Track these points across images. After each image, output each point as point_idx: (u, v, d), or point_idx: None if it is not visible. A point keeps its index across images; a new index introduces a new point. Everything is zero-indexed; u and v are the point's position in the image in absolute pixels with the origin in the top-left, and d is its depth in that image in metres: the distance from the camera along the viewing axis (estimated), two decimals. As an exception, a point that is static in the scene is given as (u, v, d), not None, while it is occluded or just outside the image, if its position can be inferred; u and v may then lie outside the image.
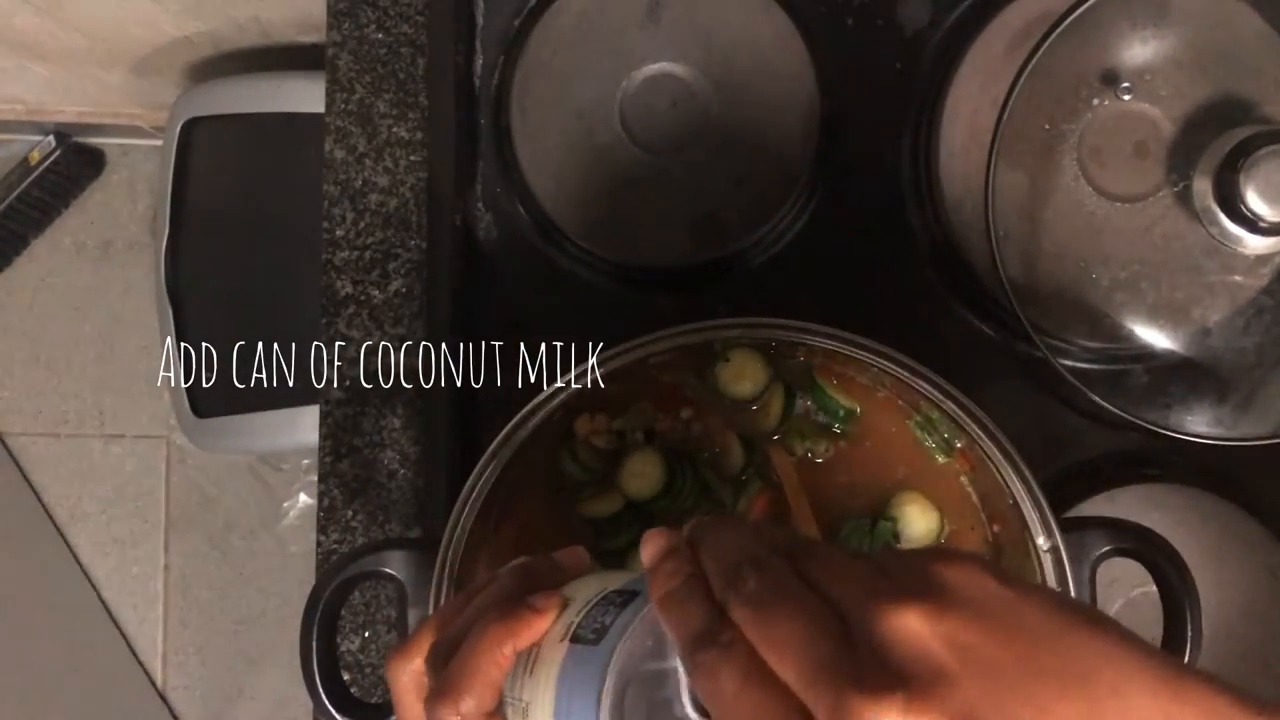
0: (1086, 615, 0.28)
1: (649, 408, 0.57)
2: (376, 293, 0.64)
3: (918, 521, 0.56)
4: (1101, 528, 0.51)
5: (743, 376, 0.56)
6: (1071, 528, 0.51)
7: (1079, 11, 0.53)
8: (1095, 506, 0.63)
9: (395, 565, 0.51)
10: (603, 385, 0.54)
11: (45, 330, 1.51)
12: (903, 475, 0.57)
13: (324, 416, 0.64)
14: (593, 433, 0.56)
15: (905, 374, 0.51)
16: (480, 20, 0.70)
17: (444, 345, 0.66)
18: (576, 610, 0.35)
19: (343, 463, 0.64)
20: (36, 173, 1.42)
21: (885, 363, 0.51)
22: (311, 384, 0.65)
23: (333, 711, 0.50)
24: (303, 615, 0.50)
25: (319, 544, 0.64)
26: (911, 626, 0.26)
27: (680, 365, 0.57)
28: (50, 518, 1.50)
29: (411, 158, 0.65)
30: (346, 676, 0.58)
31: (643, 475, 0.56)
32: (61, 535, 1.50)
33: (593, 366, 0.51)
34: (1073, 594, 0.50)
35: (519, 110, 0.68)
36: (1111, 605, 0.62)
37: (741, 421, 0.58)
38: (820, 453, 0.57)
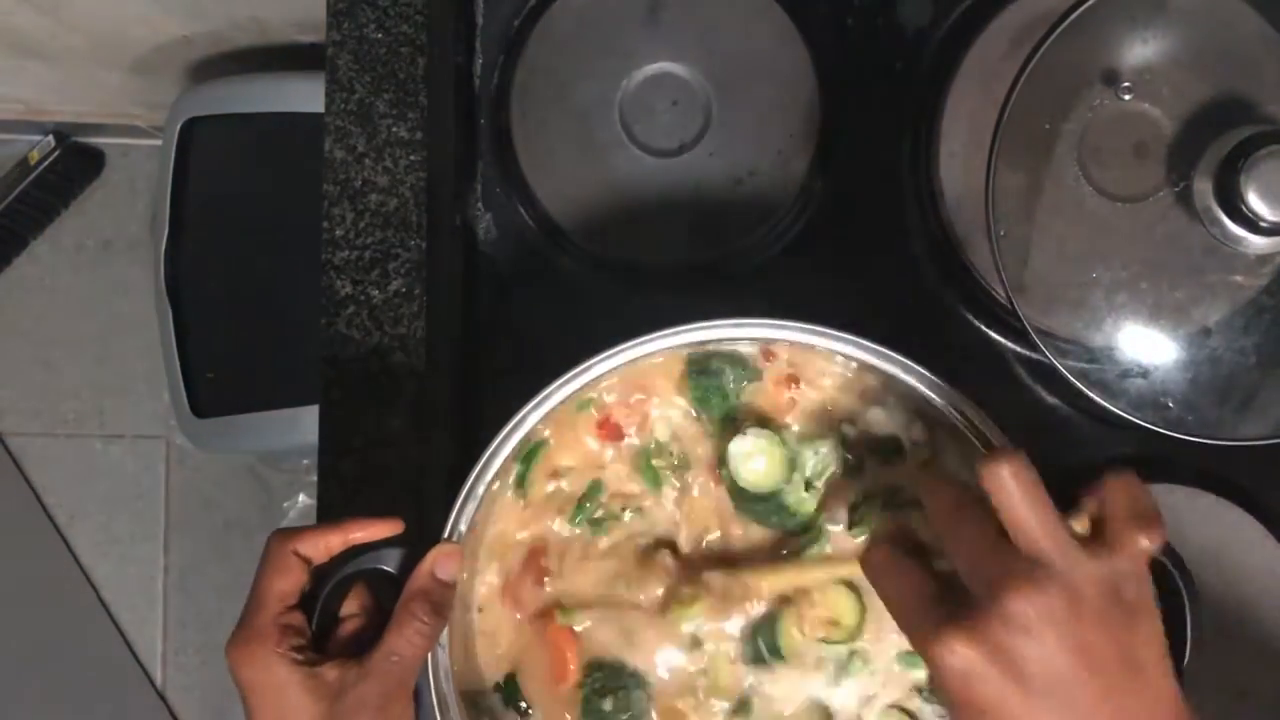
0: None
1: None
2: (376, 293, 0.64)
3: None
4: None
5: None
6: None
7: (1079, 11, 0.53)
8: (1095, 506, 0.63)
9: (393, 563, 0.51)
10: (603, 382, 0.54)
11: (45, 330, 1.51)
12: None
13: (324, 416, 0.64)
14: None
15: (902, 373, 0.51)
16: (480, 20, 0.70)
17: (444, 345, 0.66)
18: None
19: (343, 463, 0.63)
20: (36, 173, 1.42)
21: (885, 363, 0.51)
22: (311, 384, 0.64)
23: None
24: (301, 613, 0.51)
25: (319, 544, 0.64)
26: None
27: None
28: (50, 518, 1.50)
29: (411, 158, 0.65)
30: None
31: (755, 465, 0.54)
32: (61, 535, 1.50)
33: (591, 366, 0.51)
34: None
35: (519, 110, 0.68)
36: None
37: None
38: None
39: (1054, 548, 0.41)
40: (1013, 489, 0.41)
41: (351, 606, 0.52)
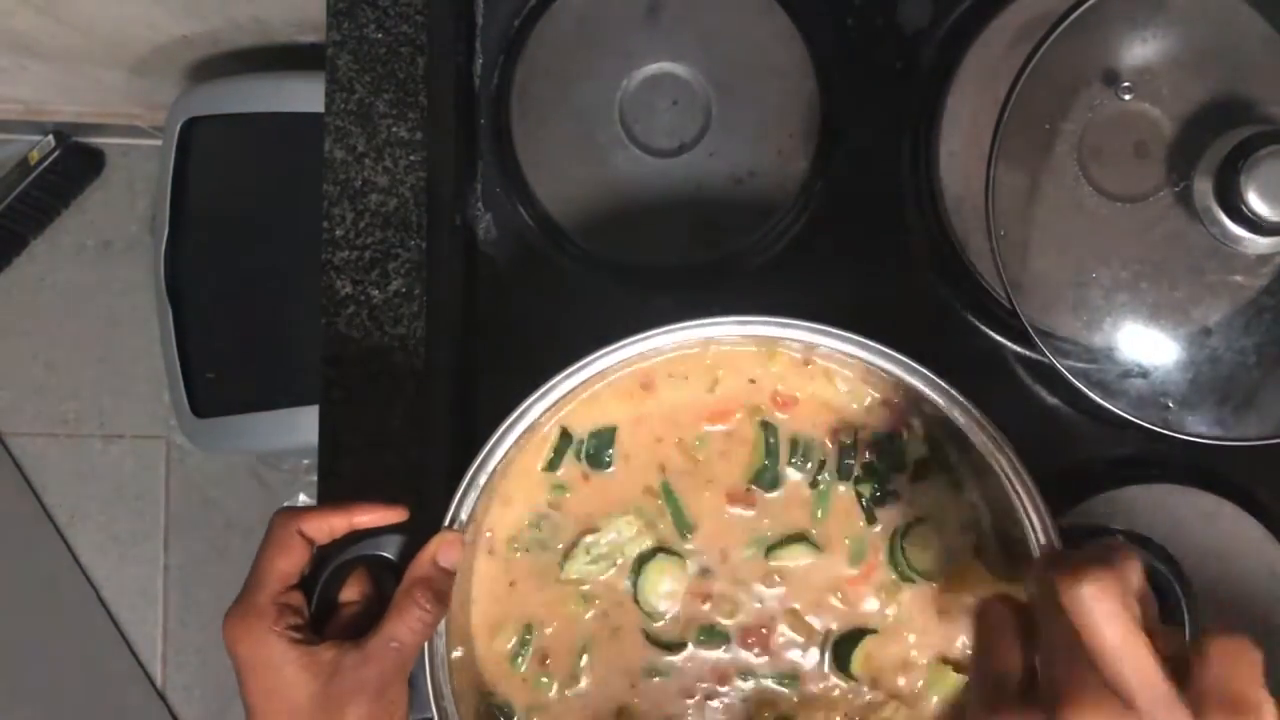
0: None
1: None
2: (376, 293, 0.64)
3: None
4: (1097, 536, 0.51)
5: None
6: (1070, 539, 0.50)
7: (1079, 11, 0.53)
8: (1095, 507, 0.63)
9: (393, 549, 0.51)
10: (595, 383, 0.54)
11: (45, 330, 1.51)
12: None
13: (324, 416, 0.64)
14: None
15: (903, 373, 0.51)
16: (480, 20, 0.70)
17: (444, 345, 0.66)
18: None
19: (343, 463, 0.63)
20: (36, 173, 1.42)
21: (884, 363, 0.51)
22: (311, 384, 0.64)
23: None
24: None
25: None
26: None
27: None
28: (50, 518, 1.50)
29: (411, 158, 0.65)
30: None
31: None
32: (61, 535, 1.50)
33: (590, 365, 0.51)
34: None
35: (519, 110, 0.68)
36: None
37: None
38: None
39: (1138, 682, 0.35)
40: (1094, 611, 0.36)
41: (350, 593, 0.52)
